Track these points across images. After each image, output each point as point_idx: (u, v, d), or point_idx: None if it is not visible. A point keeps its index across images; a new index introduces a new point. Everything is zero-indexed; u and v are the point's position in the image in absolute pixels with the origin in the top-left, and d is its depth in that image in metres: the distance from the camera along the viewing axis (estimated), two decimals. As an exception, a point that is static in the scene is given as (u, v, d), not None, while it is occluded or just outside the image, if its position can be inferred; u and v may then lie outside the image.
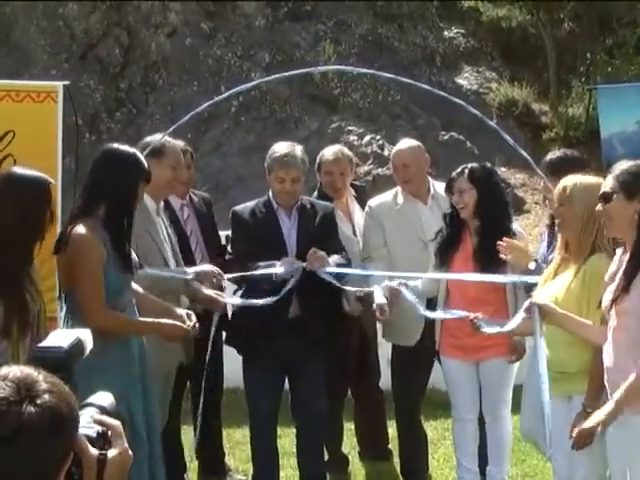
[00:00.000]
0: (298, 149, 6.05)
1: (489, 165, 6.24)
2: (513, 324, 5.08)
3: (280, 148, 6.05)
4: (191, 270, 5.67)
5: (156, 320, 4.86)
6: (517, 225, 6.26)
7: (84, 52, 14.91)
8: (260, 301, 5.69)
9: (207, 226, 6.48)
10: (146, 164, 4.79)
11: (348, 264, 6.09)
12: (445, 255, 5.97)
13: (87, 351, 2.25)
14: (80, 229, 4.50)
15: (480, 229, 5.89)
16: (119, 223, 4.63)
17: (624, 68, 15.15)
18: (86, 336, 2.24)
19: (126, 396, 4.57)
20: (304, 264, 5.77)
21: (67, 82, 5.62)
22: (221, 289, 5.91)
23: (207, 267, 5.75)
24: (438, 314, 5.75)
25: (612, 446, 4.36)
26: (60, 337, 2.21)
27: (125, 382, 4.63)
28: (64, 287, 4.78)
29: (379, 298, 5.89)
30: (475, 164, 6.08)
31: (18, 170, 4.55)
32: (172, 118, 5.96)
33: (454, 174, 5.99)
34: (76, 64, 14.73)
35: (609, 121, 6.39)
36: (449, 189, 5.99)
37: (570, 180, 4.77)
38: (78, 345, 2.21)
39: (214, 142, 13.94)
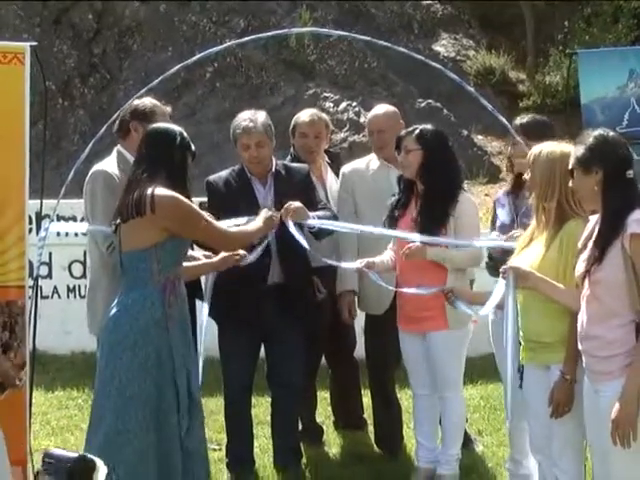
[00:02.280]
0: (260, 115, 6.05)
1: (463, 131, 6.16)
2: (488, 308, 5.05)
3: (242, 116, 6.06)
4: None
5: (255, 224, 5.41)
6: (469, 195, 6.15)
7: (57, 17, 14.73)
8: (248, 259, 5.61)
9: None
10: (191, 142, 5.04)
11: (333, 218, 6.04)
12: (391, 218, 5.90)
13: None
14: (164, 190, 4.77)
15: (424, 193, 5.79)
16: (177, 190, 4.86)
17: (601, 37, 15.15)
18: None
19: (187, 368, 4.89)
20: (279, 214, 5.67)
21: (34, 43, 5.47)
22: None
23: None
24: (412, 290, 5.66)
25: (589, 413, 4.35)
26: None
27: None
28: (133, 246, 4.81)
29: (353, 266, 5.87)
30: (428, 125, 5.95)
31: None
32: (146, 84, 5.86)
33: (403, 132, 5.91)
34: (49, 29, 14.55)
35: (590, 87, 6.31)
36: (397, 147, 5.91)
37: (537, 147, 4.83)
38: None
39: (188, 108, 13.82)
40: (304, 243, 5.68)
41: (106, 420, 4.71)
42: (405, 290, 5.69)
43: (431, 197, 5.75)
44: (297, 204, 5.71)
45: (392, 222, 5.89)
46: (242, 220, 5.70)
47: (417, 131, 5.81)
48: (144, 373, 4.71)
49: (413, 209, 5.84)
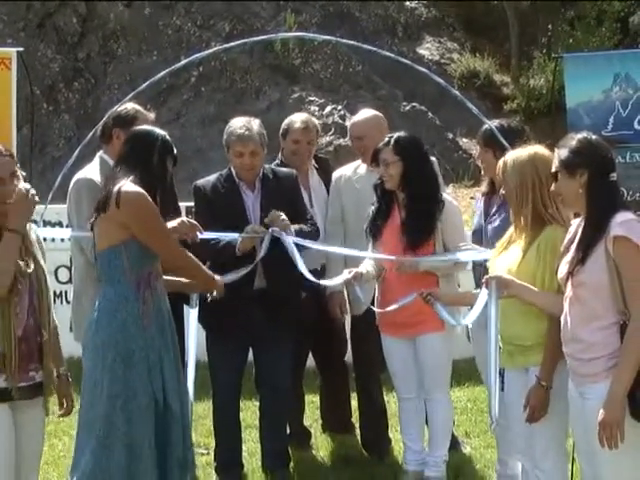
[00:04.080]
0: (255, 123, 6.04)
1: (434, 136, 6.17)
2: (472, 316, 5.05)
3: (237, 123, 6.04)
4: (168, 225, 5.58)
5: (210, 275, 5.15)
6: (450, 196, 6.16)
7: (41, 21, 14.69)
8: (227, 277, 5.61)
9: (167, 198, 6.36)
10: (173, 146, 4.98)
11: (314, 232, 6.08)
12: (374, 229, 5.88)
13: None
14: (133, 186, 4.68)
15: (407, 202, 5.79)
16: (150, 193, 4.79)
17: (585, 40, 15.20)
18: None
19: (162, 367, 4.77)
20: (269, 230, 5.72)
21: (21, 48, 5.48)
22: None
23: (179, 220, 5.64)
24: (391, 307, 5.63)
25: (575, 417, 4.37)
26: None
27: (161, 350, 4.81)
28: (105, 245, 4.77)
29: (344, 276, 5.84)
30: (402, 134, 5.91)
31: None
32: (131, 88, 5.87)
33: (380, 145, 5.87)
34: (33, 33, 14.51)
35: (575, 91, 6.32)
36: (374, 160, 5.90)
37: (506, 156, 4.86)
38: None
39: (173, 113, 13.81)
40: (298, 259, 5.73)
41: (97, 423, 4.71)
42: (388, 309, 5.67)
43: (415, 206, 5.75)
44: (283, 217, 5.76)
45: (376, 231, 5.88)
46: (233, 235, 5.73)
47: (393, 141, 5.78)
48: (128, 370, 4.68)
49: (396, 217, 5.84)
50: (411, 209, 5.76)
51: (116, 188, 4.68)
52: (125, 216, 4.68)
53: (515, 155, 4.79)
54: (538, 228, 4.70)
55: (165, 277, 5.08)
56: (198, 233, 5.48)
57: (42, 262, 4.60)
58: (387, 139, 5.83)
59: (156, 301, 4.82)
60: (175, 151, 5.00)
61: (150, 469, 4.69)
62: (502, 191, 4.91)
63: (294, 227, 5.85)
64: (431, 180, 5.86)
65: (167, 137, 4.98)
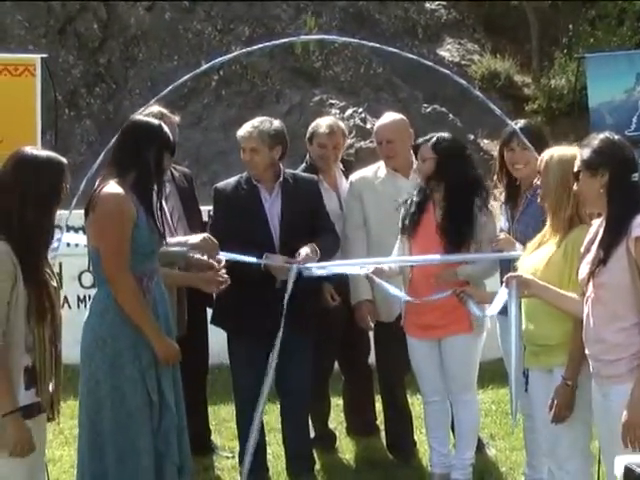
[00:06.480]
0: (267, 122, 6.05)
1: (472, 138, 6.18)
2: (495, 308, 5.06)
3: (249, 122, 6.10)
4: (190, 240, 5.58)
5: (157, 326, 4.75)
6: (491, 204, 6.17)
7: (62, 26, 14.74)
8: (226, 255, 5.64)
9: (188, 202, 6.40)
10: (170, 136, 4.89)
11: (335, 245, 6.09)
12: (410, 225, 5.88)
13: None
14: (111, 188, 4.60)
15: (444, 202, 5.80)
16: (147, 189, 4.72)
17: (606, 39, 15.13)
18: None
19: (156, 367, 4.72)
20: (295, 263, 5.72)
21: (45, 55, 5.52)
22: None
23: (202, 237, 5.62)
24: (426, 299, 5.65)
25: (599, 418, 4.35)
26: None
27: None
28: (90, 246, 4.78)
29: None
30: (445, 134, 5.97)
31: (31, 152, 4.38)
32: (152, 93, 5.88)
33: (420, 140, 5.93)
34: (54, 39, 14.56)
35: (597, 90, 6.30)
36: (415, 154, 5.98)
37: (548, 152, 4.83)
38: None
39: (195, 116, 13.84)
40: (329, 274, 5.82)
41: (85, 426, 4.73)
42: (423, 299, 5.68)
43: (451, 206, 5.76)
44: (305, 252, 5.75)
45: (409, 228, 5.87)
46: (252, 259, 5.71)
47: (433, 140, 5.83)
48: (115, 372, 4.66)
49: (431, 216, 5.83)
50: (447, 210, 5.78)
51: (98, 190, 4.65)
52: (95, 218, 4.66)
53: (559, 153, 4.76)
54: (569, 228, 4.69)
55: (163, 269, 5.04)
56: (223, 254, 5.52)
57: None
58: (429, 136, 5.89)
59: (150, 302, 4.75)
60: (171, 139, 4.89)
61: (146, 472, 4.67)
62: (537, 181, 4.87)
63: (313, 247, 5.84)
64: (469, 183, 5.85)
65: (163, 128, 4.86)
